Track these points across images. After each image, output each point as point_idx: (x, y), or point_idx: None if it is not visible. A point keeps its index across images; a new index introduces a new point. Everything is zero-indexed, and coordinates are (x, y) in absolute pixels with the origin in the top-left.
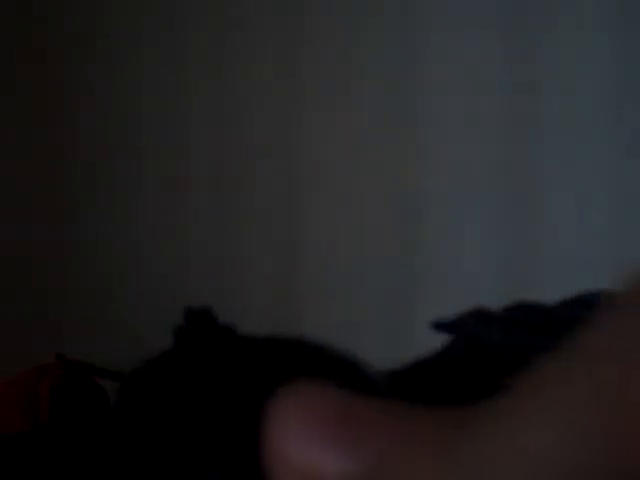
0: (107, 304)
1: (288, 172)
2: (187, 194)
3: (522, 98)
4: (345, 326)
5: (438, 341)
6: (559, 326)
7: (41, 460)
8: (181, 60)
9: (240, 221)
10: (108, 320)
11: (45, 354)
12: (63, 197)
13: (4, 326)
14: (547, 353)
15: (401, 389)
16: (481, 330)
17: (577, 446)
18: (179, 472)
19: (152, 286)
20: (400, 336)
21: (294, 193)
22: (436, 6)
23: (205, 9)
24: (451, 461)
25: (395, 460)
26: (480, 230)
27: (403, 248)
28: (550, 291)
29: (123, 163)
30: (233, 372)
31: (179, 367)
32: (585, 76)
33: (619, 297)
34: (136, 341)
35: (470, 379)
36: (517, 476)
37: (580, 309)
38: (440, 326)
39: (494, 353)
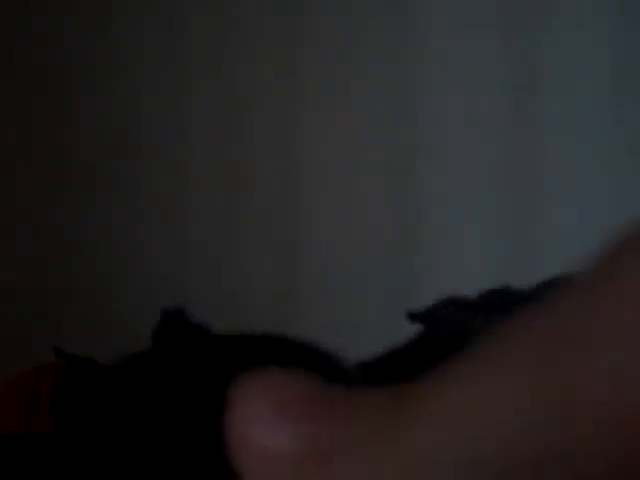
0: (107, 304)
1: (288, 172)
2: (187, 194)
3: (522, 98)
4: (345, 326)
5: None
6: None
7: (40, 460)
8: (181, 60)
9: (240, 221)
10: (108, 320)
11: (45, 354)
12: (63, 197)
13: (4, 326)
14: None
15: (373, 379)
16: (455, 318)
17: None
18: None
19: (152, 286)
20: (400, 336)
21: (294, 193)
22: (436, 6)
23: (205, 9)
24: (387, 444)
25: (337, 441)
26: (480, 230)
27: (403, 248)
28: None
29: (123, 163)
30: (202, 368)
31: (152, 367)
32: (585, 76)
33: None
34: (136, 341)
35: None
36: (448, 465)
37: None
38: (414, 316)
39: (466, 339)
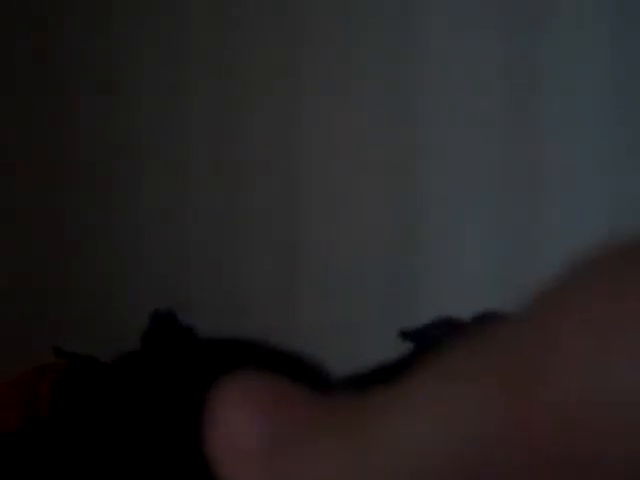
0: (107, 304)
1: (288, 172)
2: (187, 194)
3: (522, 98)
4: (345, 326)
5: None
6: None
7: (39, 458)
8: (181, 60)
9: (240, 221)
10: (108, 320)
11: (45, 354)
12: (63, 197)
13: (4, 326)
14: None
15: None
16: (445, 339)
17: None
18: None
19: (152, 286)
20: (400, 336)
21: (294, 193)
22: (436, 6)
23: (205, 9)
24: (341, 449)
25: (290, 440)
26: (480, 230)
27: (403, 248)
28: None
29: (123, 163)
30: (186, 371)
31: (140, 367)
32: (585, 76)
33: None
34: (136, 341)
35: None
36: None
37: None
38: (406, 335)
39: None
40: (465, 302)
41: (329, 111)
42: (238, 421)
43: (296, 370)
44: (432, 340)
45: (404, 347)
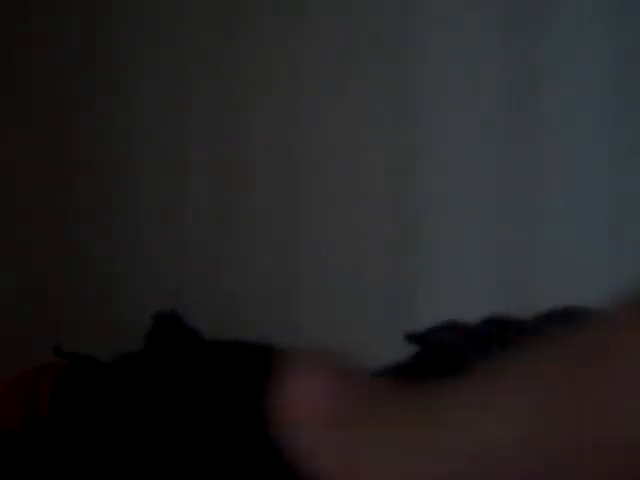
0: (107, 304)
1: (288, 172)
2: (187, 194)
3: (522, 98)
4: (345, 326)
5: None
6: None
7: (39, 458)
8: (181, 60)
9: (240, 221)
10: (108, 320)
11: (45, 354)
12: (63, 197)
13: (4, 326)
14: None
15: None
16: (449, 341)
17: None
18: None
19: (152, 286)
20: (400, 336)
21: (294, 193)
22: (436, 6)
23: (205, 9)
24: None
25: (358, 414)
26: (480, 230)
27: (403, 248)
28: (550, 291)
29: (123, 163)
30: (192, 374)
31: (143, 368)
32: (585, 76)
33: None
34: (136, 341)
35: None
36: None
37: (556, 324)
38: (411, 337)
39: (460, 364)
40: (465, 302)
41: (329, 111)
42: (313, 391)
43: None
44: (437, 343)
45: (404, 347)
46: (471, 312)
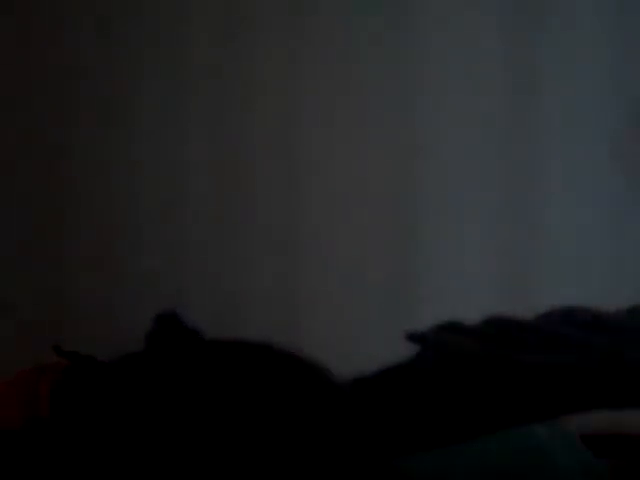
0: (107, 304)
1: (288, 172)
2: (187, 194)
3: (522, 98)
4: (345, 326)
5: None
6: (531, 340)
7: (39, 458)
8: (181, 60)
9: (240, 221)
10: (108, 320)
11: (45, 354)
12: (63, 197)
13: (4, 326)
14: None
15: (365, 396)
16: (450, 341)
17: None
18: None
19: (152, 286)
20: (400, 336)
21: (294, 193)
22: (436, 6)
23: (205, 9)
24: None
25: None
26: (480, 230)
27: (403, 248)
28: (550, 290)
29: (123, 163)
30: (195, 373)
31: (143, 367)
32: (585, 76)
33: None
34: (136, 341)
35: (433, 387)
36: None
37: (555, 324)
38: (412, 337)
39: (460, 363)
40: (465, 302)
41: (329, 111)
42: None
43: (300, 371)
44: (437, 343)
45: (404, 347)
46: (471, 312)
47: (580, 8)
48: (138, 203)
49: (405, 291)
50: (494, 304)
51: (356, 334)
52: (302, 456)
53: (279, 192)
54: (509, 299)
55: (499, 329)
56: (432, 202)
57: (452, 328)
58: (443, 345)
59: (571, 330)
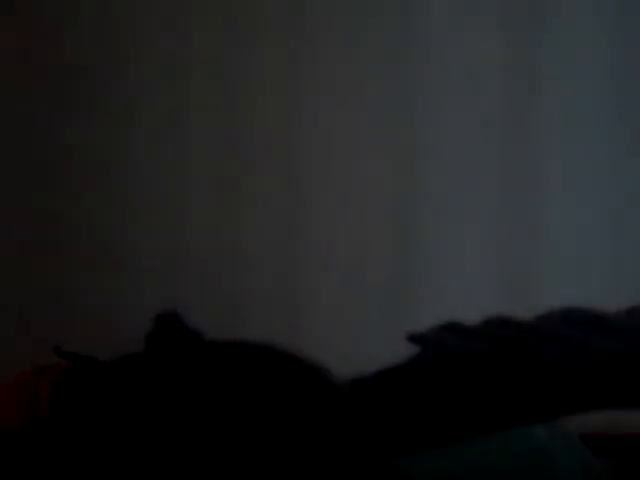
0: (107, 304)
1: (288, 172)
2: (187, 194)
3: (522, 98)
4: (345, 326)
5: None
6: (531, 340)
7: (39, 458)
8: (181, 60)
9: (240, 221)
10: (108, 320)
11: (45, 354)
12: (63, 197)
13: (4, 326)
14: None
15: (364, 396)
16: (450, 342)
17: None
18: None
19: (152, 286)
20: (400, 336)
21: (294, 193)
22: (436, 6)
23: (205, 9)
24: None
25: None
26: (480, 230)
27: (403, 248)
28: (550, 290)
29: (123, 164)
30: (197, 374)
31: (143, 368)
32: (585, 76)
33: None
34: (136, 341)
35: (433, 387)
36: None
37: (554, 325)
38: (413, 338)
39: (460, 363)
40: (465, 302)
41: (329, 111)
42: None
43: (300, 372)
44: (437, 344)
45: (404, 347)
46: (471, 312)
47: (580, 8)
48: (138, 203)
49: (405, 291)
50: (494, 304)
51: (356, 334)
52: (302, 456)
53: (279, 192)
54: (509, 299)
55: (499, 329)
56: (432, 202)
57: (452, 328)
58: (443, 345)
59: (571, 330)
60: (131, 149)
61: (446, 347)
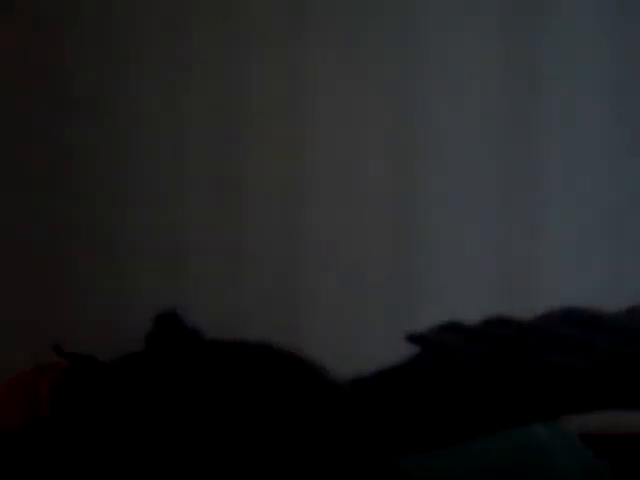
0: (107, 304)
1: (288, 172)
2: (187, 194)
3: (522, 98)
4: (345, 326)
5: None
6: (532, 340)
7: (39, 458)
8: (181, 60)
9: (240, 221)
10: (108, 320)
11: (45, 354)
12: (63, 197)
13: (4, 326)
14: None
15: (364, 396)
16: (450, 342)
17: None
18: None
19: (152, 286)
20: (400, 336)
21: (294, 194)
22: (436, 6)
23: (205, 9)
24: None
25: None
26: (480, 230)
27: (403, 248)
28: (550, 290)
29: (123, 164)
30: (197, 374)
31: (143, 368)
32: (585, 76)
33: None
34: (136, 341)
35: (433, 387)
36: None
37: (554, 325)
38: (413, 338)
39: (460, 363)
40: (465, 302)
41: (329, 111)
42: None
43: (299, 372)
44: (437, 344)
45: (404, 347)
46: (471, 312)
47: (580, 8)
48: (138, 203)
49: (405, 291)
50: (494, 304)
51: (356, 334)
52: (302, 457)
53: (279, 192)
54: (509, 299)
55: (499, 329)
56: (432, 202)
57: (452, 328)
58: (443, 345)
59: (571, 330)
60: (131, 149)
61: (446, 347)
